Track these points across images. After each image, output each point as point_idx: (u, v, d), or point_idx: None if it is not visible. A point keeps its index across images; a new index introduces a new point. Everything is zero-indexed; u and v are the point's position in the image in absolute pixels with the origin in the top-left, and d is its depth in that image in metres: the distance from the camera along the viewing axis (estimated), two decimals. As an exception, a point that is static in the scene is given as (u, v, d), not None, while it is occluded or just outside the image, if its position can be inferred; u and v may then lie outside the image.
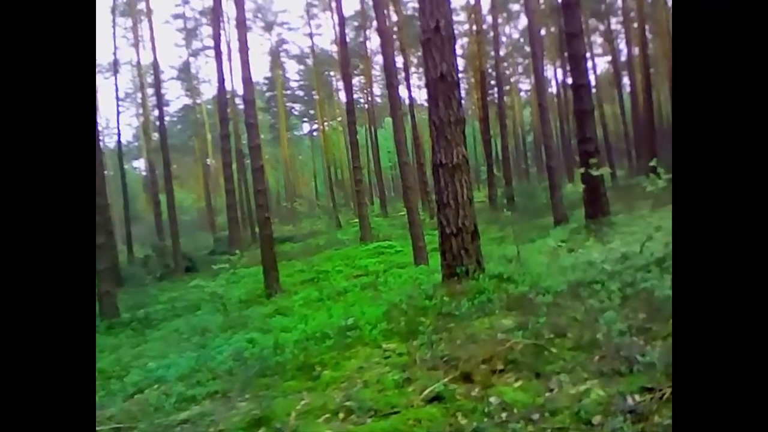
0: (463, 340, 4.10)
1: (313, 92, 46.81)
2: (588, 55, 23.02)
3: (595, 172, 10.52)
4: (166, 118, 29.22)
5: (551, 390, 3.08)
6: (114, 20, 29.45)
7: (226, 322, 8.65)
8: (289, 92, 52.36)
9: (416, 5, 33.89)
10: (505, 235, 13.55)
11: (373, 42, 39.75)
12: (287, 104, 51.38)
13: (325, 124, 45.67)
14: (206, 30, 38.74)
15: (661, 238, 6.07)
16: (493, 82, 30.28)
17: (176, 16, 37.91)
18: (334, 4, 32.90)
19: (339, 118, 47.06)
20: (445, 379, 3.41)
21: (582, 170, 11.51)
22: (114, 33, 29.25)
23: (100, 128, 30.53)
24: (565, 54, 29.13)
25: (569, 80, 19.24)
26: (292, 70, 52.12)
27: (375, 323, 5.11)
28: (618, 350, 3.30)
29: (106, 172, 26.33)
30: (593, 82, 30.06)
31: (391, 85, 14.53)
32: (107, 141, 44.38)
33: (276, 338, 5.66)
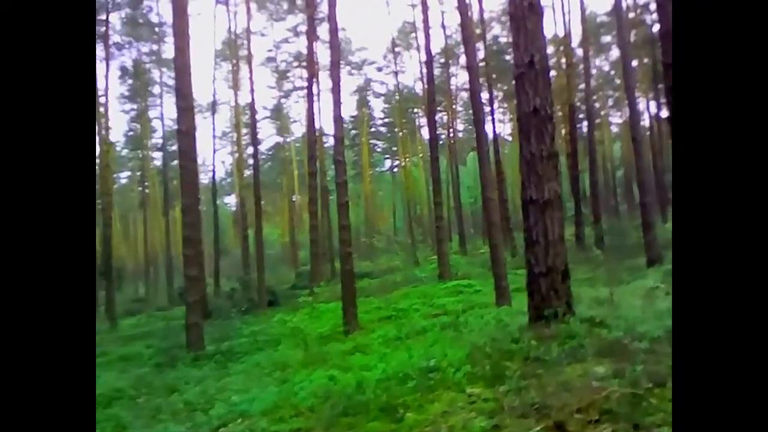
0: (554, 387, 3.86)
1: (396, 129, 47.65)
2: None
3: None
4: (258, 156, 30.64)
5: (651, 443, 2.83)
6: (216, 63, 31.58)
7: (306, 358, 8.69)
8: (372, 129, 53.62)
9: (502, 40, 33.92)
10: (594, 276, 12.91)
11: (458, 78, 40.18)
12: (371, 141, 52.55)
13: (407, 160, 46.21)
14: (296, 72, 40.73)
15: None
16: (581, 116, 29.47)
17: (270, 59, 40.11)
18: (420, 42, 33.75)
19: (420, 155, 47.47)
20: (537, 428, 3.22)
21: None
22: (214, 76, 31.33)
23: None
24: (659, 86, 28.02)
25: (664, 113, 18.40)
26: (377, 108, 53.49)
27: (458, 366, 4.92)
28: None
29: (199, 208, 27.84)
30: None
31: (478, 121, 14.47)
32: (202, 178, 47.00)
33: (357, 377, 5.59)
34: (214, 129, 32.64)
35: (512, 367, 4.53)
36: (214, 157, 32.85)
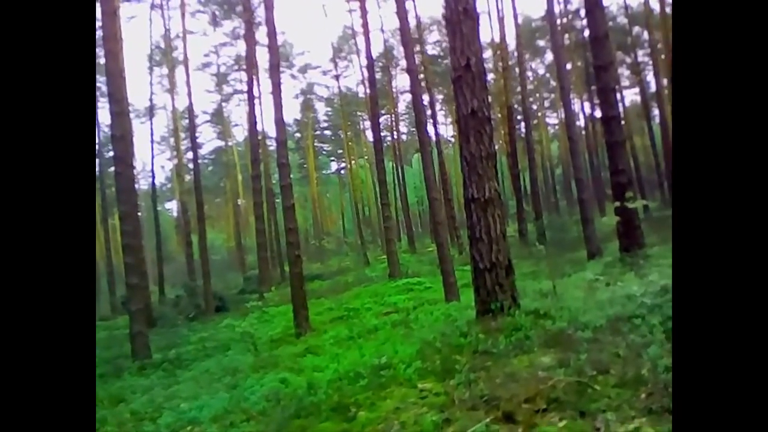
0: (502, 379, 3.97)
1: (341, 132, 47.60)
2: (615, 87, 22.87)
3: (630, 205, 10.30)
4: (199, 161, 29.89)
5: (597, 429, 2.96)
6: (151, 67, 30.64)
7: (257, 362, 8.59)
8: (317, 133, 53.35)
9: (441, 45, 34.52)
10: (538, 270, 13.30)
11: (399, 81, 40.57)
12: (316, 144, 52.28)
13: (353, 162, 46.24)
14: (237, 76, 40.04)
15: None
16: (519, 117, 30.29)
17: (207, 64, 39.25)
18: (360, 47, 33.89)
19: (366, 157, 47.64)
20: (487, 420, 3.29)
21: (616, 203, 11.31)
22: (151, 79, 30.35)
23: (135, 171, 31.45)
24: (593, 87, 29.13)
25: (597, 113, 19.14)
26: (321, 111, 53.29)
27: (409, 362, 4.99)
28: (666, 387, 3.15)
29: (139, 214, 26.93)
30: (621, 115, 29.78)
31: (420, 123, 14.67)
32: (142, 183, 45.59)
33: (309, 378, 5.58)
34: (152, 134, 31.82)
35: (462, 361, 4.60)
36: (153, 162, 31.89)
